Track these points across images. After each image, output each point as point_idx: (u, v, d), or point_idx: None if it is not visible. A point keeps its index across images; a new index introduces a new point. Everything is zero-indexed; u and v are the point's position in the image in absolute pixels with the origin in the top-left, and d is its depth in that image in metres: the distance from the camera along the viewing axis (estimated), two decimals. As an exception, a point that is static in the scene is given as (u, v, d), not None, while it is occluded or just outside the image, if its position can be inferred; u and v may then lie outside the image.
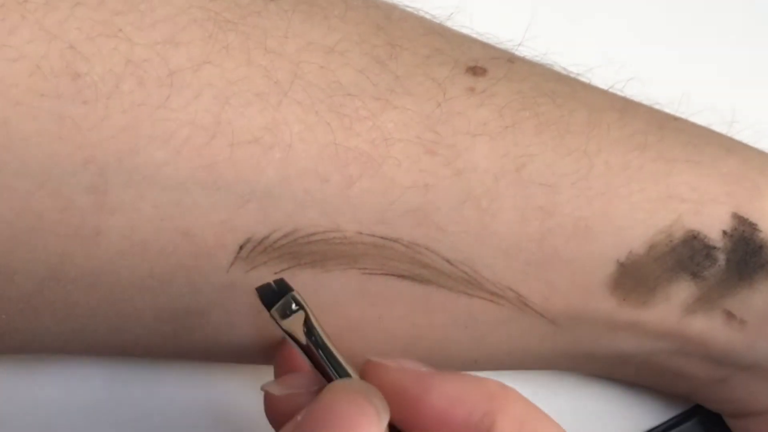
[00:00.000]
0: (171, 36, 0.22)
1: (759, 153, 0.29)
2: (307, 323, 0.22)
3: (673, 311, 0.27)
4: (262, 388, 0.23)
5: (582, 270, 0.26)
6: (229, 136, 0.22)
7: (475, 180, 0.24)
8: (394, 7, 0.26)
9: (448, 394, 0.21)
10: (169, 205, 0.22)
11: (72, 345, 0.26)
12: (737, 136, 0.30)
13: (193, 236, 0.23)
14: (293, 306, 0.23)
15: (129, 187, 0.22)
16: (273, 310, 0.22)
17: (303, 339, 0.22)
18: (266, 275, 0.24)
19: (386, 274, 0.25)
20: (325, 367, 0.22)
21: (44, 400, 0.28)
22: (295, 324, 0.22)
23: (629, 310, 0.27)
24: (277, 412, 0.23)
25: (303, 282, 0.24)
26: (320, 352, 0.22)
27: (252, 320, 0.25)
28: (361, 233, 0.24)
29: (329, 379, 0.22)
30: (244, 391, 0.30)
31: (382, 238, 0.24)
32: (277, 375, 0.26)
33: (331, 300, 0.25)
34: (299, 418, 0.20)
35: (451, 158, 0.24)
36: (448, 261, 0.25)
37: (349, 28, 0.24)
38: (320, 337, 0.22)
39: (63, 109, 0.21)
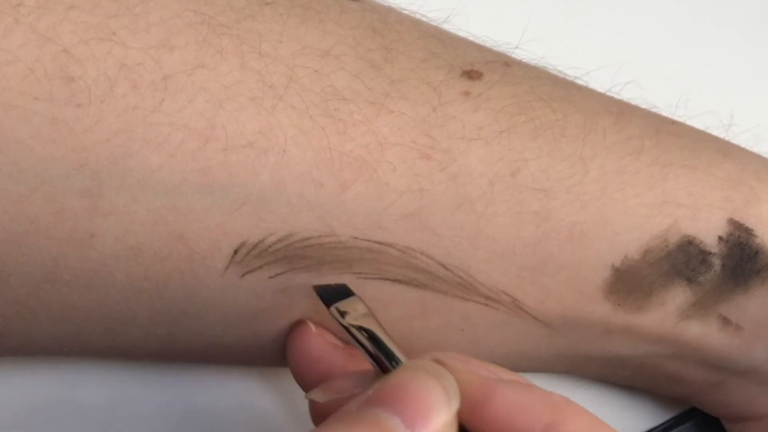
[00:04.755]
0: (165, 40, 0.22)
1: (756, 157, 0.28)
2: (371, 323, 0.23)
3: (669, 316, 0.27)
4: (306, 397, 0.23)
5: (577, 275, 0.26)
6: (224, 140, 0.22)
7: (470, 185, 0.24)
8: (390, 10, 0.26)
9: (511, 402, 0.21)
10: (164, 209, 0.22)
11: (69, 347, 0.26)
12: (735, 140, 0.30)
13: (188, 240, 0.23)
14: (354, 308, 0.23)
15: (123, 190, 0.22)
16: (333, 308, 0.23)
17: (363, 338, 0.22)
18: (261, 279, 0.24)
19: (381, 279, 0.25)
20: (388, 364, 0.22)
21: (43, 400, 0.28)
22: (355, 322, 0.23)
23: (624, 314, 0.27)
24: (323, 417, 0.22)
25: (297, 286, 0.24)
26: (382, 351, 0.22)
27: (247, 323, 0.25)
28: (355, 238, 0.24)
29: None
30: (241, 392, 0.30)
31: (376, 242, 0.24)
32: (297, 376, 0.26)
33: (326, 304, 0.25)
34: (370, 392, 0.20)
35: (446, 163, 0.24)
36: (442, 265, 0.25)
37: (344, 32, 0.24)
38: (383, 339, 0.22)
39: (56, 113, 0.21)
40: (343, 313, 0.23)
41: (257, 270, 0.24)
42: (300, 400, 0.25)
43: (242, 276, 0.24)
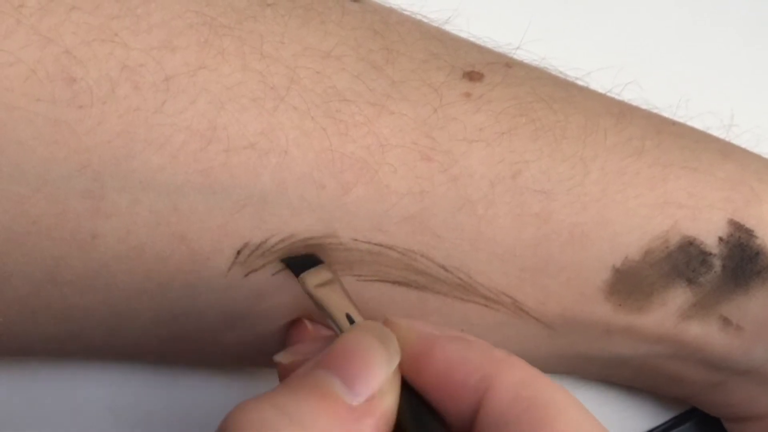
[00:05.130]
0: (167, 41, 0.22)
1: (757, 158, 0.28)
2: (335, 289, 0.23)
3: (669, 317, 0.27)
4: (273, 359, 0.24)
5: (578, 276, 0.26)
6: (225, 142, 0.22)
7: (471, 186, 0.24)
8: (391, 11, 0.26)
9: (449, 355, 0.21)
10: (166, 210, 0.22)
11: (70, 347, 0.26)
12: (736, 140, 0.30)
13: (190, 241, 0.23)
14: (321, 276, 0.23)
15: (125, 191, 0.22)
16: (300, 276, 0.23)
17: (328, 302, 0.23)
18: (263, 278, 0.24)
19: (381, 281, 0.25)
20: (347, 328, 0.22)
21: (45, 400, 0.28)
22: (324, 293, 0.23)
23: (625, 315, 0.27)
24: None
25: (298, 287, 0.24)
26: (348, 317, 0.23)
27: (249, 322, 0.25)
28: (356, 240, 0.24)
29: None
30: (242, 392, 0.30)
31: (377, 245, 0.24)
32: None
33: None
34: (318, 355, 0.21)
35: (447, 165, 0.24)
36: (443, 267, 0.25)
37: (345, 33, 0.24)
38: (345, 302, 0.23)
39: (58, 114, 0.21)
40: (310, 281, 0.23)
41: (260, 269, 0.24)
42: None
43: (245, 276, 0.24)
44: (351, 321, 0.23)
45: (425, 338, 0.22)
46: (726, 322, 0.27)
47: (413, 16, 0.27)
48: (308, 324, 0.25)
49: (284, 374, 0.23)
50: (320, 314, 0.23)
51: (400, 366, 0.21)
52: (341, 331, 0.22)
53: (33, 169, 0.21)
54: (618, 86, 0.29)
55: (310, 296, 0.23)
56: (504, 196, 0.25)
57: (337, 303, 0.23)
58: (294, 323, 0.26)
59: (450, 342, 0.22)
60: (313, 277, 0.23)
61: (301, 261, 0.24)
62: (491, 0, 0.35)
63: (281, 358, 0.23)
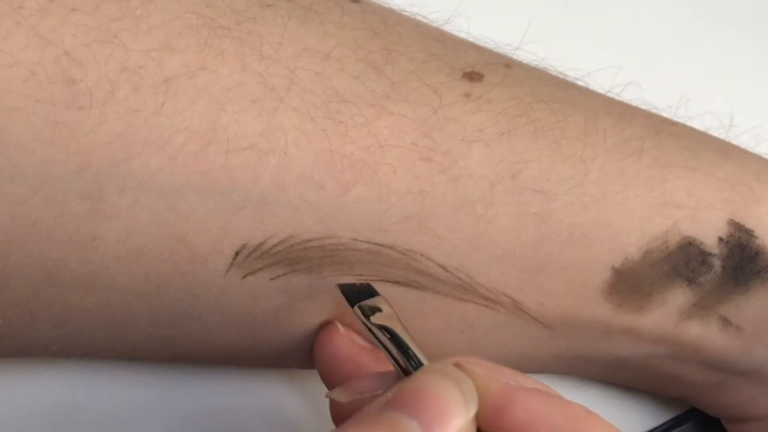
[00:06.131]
0: (166, 42, 0.22)
1: (756, 158, 0.28)
2: (395, 324, 0.23)
3: (669, 317, 0.27)
4: (327, 396, 0.23)
5: (577, 276, 0.26)
6: (225, 143, 0.22)
7: (470, 187, 0.24)
8: (390, 12, 0.26)
9: (530, 410, 0.21)
10: (165, 212, 0.22)
11: (70, 348, 0.26)
12: (736, 140, 0.30)
13: (189, 242, 0.23)
14: (376, 307, 0.23)
15: (124, 193, 0.22)
16: (356, 307, 0.23)
17: (386, 338, 0.22)
18: (262, 281, 0.24)
19: (381, 281, 0.25)
20: (409, 366, 0.22)
21: (44, 402, 0.28)
22: (379, 322, 0.23)
23: (625, 315, 0.27)
24: (344, 416, 0.22)
25: (298, 288, 0.24)
26: (404, 352, 0.22)
27: (248, 324, 0.25)
28: (356, 240, 0.24)
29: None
30: (241, 394, 0.30)
31: (377, 244, 0.24)
32: (323, 376, 0.26)
33: (326, 305, 0.25)
34: (390, 395, 0.20)
35: (447, 165, 0.24)
36: (443, 267, 0.25)
37: (345, 34, 0.24)
38: (405, 341, 0.22)
39: (58, 115, 0.21)
40: (366, 313, 0.23)
41: (258, 272, 0.24)
42: (299, 402, 0.25)
43: (243, 278, 0.24)
44: (412, 360, 0.22)
45: (504, 389, 0.21)
46: (725, 322, 0.27)
47: (413, 16, 0.27)
48: (340, 327, 0.25)
49: (338, 411, 0.23)
50: (374, 347, 0.23)
51: (477, 415, 0.20)
52: (404, 372, 0.22)
53: (32, 170, 0.21)
54: (618, 86, 0.29)
55: (369, 330, 0.23)
56: (504, 197, 0.25)
57: (398, 339, 0.22)
58: (324, 326, 0.26)
59: (529, 396, 0.21)
60: (371, 309, 0.23)
61: (356, 290, 0.24)
62: (491, 0, 0.35)
63: (338, 396, 0.23)
